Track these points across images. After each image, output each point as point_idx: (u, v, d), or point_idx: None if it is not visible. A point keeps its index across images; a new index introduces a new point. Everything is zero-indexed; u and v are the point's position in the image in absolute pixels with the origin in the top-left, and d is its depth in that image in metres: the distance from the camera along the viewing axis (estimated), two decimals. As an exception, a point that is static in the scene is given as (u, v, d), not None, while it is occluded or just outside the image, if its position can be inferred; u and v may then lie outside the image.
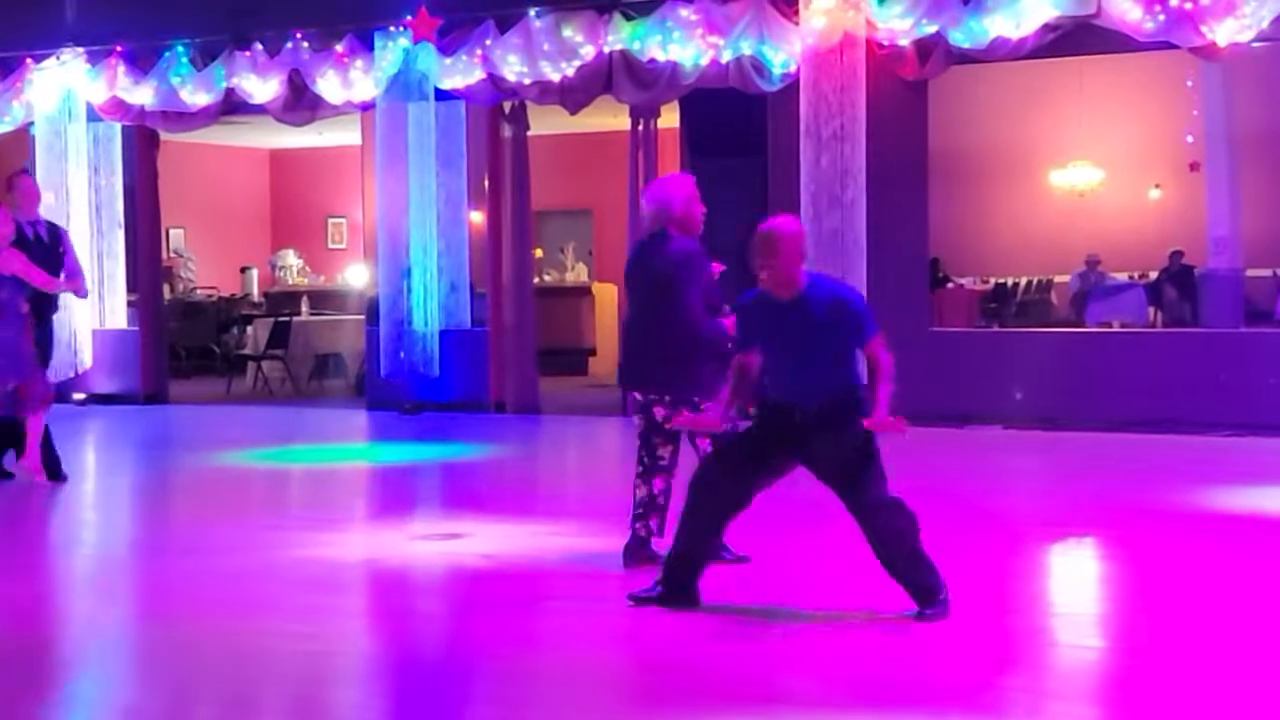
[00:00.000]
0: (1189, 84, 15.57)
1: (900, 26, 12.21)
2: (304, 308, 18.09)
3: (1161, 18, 11.42)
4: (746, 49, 12.64)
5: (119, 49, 15.30)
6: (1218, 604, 6.28)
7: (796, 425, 6.06)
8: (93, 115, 15.67)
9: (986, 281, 18.36)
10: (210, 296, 20.29)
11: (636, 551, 6.91)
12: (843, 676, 5.29)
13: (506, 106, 14.07)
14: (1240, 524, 8.08)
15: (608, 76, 13.23)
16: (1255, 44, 11.57)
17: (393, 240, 14.25)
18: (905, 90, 12.47)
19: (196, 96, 15.01)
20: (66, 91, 15.62)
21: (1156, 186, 18.23)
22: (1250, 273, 15.20)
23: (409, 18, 13.81)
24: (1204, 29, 11.35)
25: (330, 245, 22.51)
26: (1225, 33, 11.32)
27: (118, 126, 15.79)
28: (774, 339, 6.15)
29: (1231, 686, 5.08)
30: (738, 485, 6.14)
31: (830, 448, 6.04)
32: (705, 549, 6.26)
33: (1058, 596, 6.95)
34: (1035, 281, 18.27)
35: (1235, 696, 4.97)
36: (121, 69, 15.30)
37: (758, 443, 6.19)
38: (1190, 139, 16.09)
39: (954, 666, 5.33)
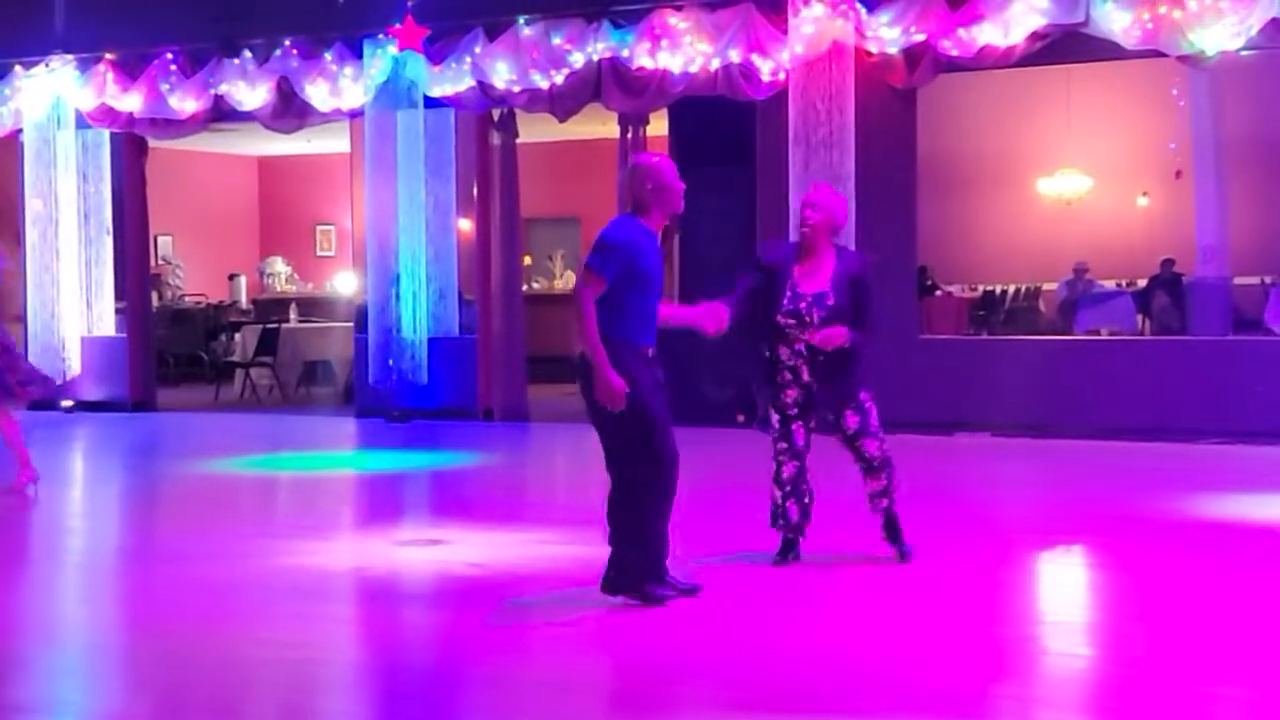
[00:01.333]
0: (1174, 93, 15.61)
1: (889, 35, 12.23)
2: (292, 315, 18.06)
3: (1150, 26, 11.45)
4: (735, 57, 12.65)
5: (108, 56, 15.29)
6: (1207, 612, 6.28)
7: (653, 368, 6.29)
8: (81, 122, 15.66)
9: (975, 289, 18.38)
10: (198, 304, 20.25)
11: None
12: (834, 683, 5.28)
13: (495, 114, 14.07)
14: (1229, 532, 8.09)
15: (596, 84, 13.23)
16: (1243, 52, 11.59)
17: (381, 248, 14.24)
18: (894, 98, 12.48)
19: (185, 104, 15.00)
20: (55, 98, 15.61)
21: (1144, 194, 18.25)
22: (1238, 280, 15.23)
23: (396, 25, 13.80)
24: (1192, 37, 11.38)
25: (319, 252, 22.49)
26: (1213, 41, 11.35)
27: (106, 133, 15.78)
28: (655, 273, 6.28)
29: (1220, 694, 5.08)
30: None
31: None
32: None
33: (1047, 604, 6.95)
34: (1023, 289, 18.29)
35: (1223, 704, 4.97)
36: (110, 76, 15.29)
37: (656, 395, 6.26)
38: (1173, 146, 16.11)
39: (944, 673, 5.32)
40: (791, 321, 6.76)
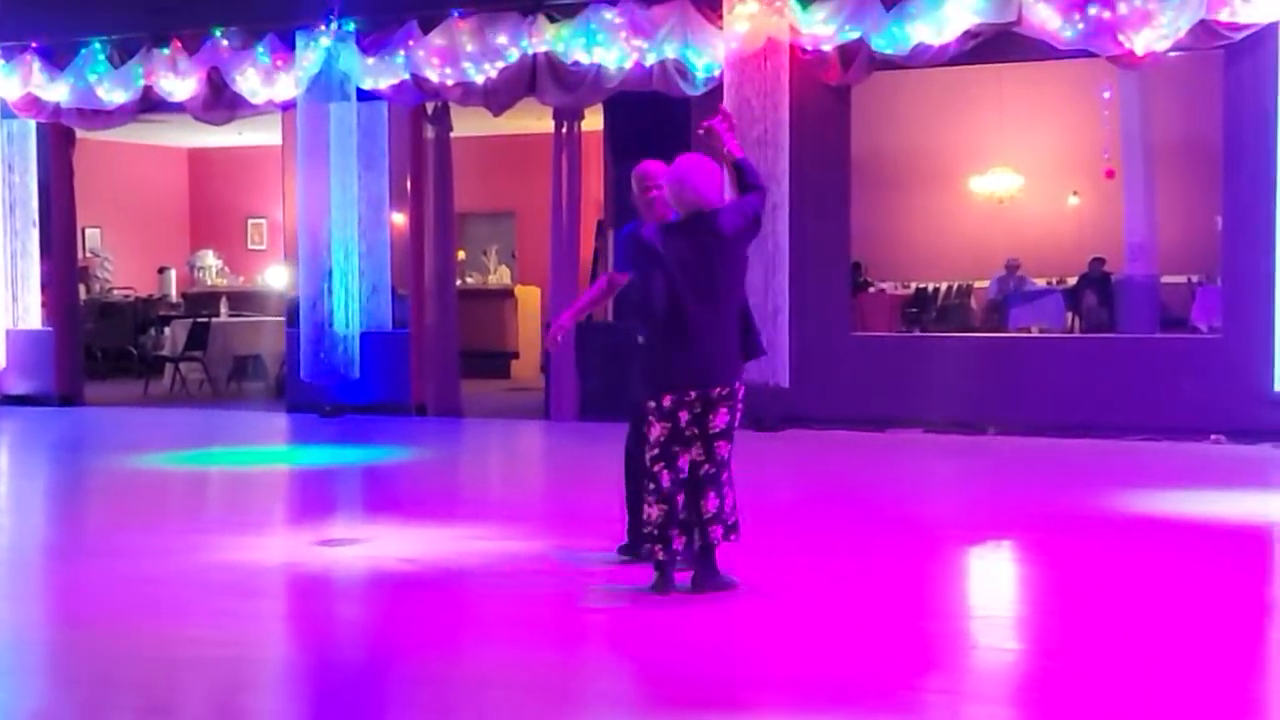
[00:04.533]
0: (1106, 95, 15.79)
1: (823, 32, 12.27)
2: (223, 309, 17.89)
3: (1081, 26, 11.57)
4: (670, 52, 12.65)
5: (34, 45, 15.05)
6: (1134, 606, 6.36)
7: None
8: (7, 112, 15.43)
9: (907, 286, 18.50)
10: (127, 297, 20.00)
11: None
12: (763, 679, 5.29)
13: (429, 107, 13.99)
14: (1155, 527, 8.19)
15: (531, 79, 13.19)
16: (1172, 53, 11.73)
17: (313, 241, 14.12)
18: (828, 95, 12.53)
19: (114, 94, 14.80)
20: (-21, 88, 15.37)
21: (1075, 193, 18.45)
22: (1166, 279, 15.44)
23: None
24: (1122, 38, 11.51)
25: (250, 246, 22.27)
26: (1142, 42, 11.48)
27: (33, 124, 15.55)
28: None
29: (1146, 687, 5.14)
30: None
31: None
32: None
33: (976, 599, 7.01)
34: (955, 287, 18.44)
35: (1149, 697, 5.03)
36: (37, 65, 15.05)
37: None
38: (1106, 155, 16.30)
39: (873, 669, 5.35)
40: None
